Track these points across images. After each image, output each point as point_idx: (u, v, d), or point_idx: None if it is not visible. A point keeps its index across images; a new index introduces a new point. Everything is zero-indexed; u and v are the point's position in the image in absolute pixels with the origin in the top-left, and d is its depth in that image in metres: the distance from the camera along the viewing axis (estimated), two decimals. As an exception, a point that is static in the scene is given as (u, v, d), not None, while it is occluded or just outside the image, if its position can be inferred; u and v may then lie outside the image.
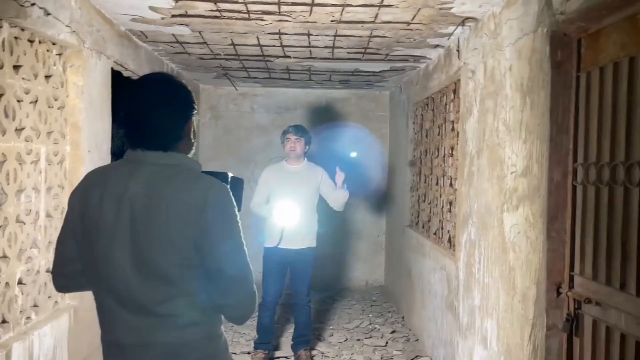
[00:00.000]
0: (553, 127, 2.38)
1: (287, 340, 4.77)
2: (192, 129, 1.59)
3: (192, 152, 1.61)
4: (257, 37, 3.96)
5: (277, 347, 4.67)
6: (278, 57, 4.71)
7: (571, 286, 2.35)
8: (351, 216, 6.77)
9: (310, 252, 4.37)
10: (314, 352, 4.57)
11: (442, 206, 4.38)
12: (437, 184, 4.58)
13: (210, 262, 1.45)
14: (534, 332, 2.50)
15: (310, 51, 4.44)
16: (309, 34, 3.87)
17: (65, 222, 1.56)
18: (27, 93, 2.60)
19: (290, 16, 3.40)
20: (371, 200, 6.87)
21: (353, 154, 6.54)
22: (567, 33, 2.34)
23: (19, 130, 2.55)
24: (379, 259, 7.02)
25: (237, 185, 1.64)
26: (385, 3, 3.09)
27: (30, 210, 2.66)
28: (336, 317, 5.64)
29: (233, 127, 6.87)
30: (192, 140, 1.60)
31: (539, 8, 2.49)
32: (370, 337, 5.03)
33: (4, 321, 2.42)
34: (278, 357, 4.52)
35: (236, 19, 3.49)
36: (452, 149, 4.11)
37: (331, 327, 5.32)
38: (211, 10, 3.31)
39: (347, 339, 4.96)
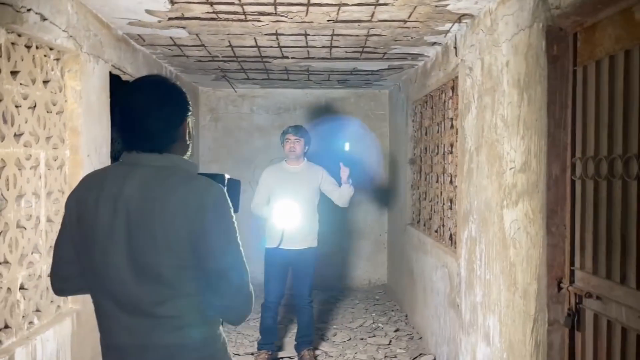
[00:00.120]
0: (550, 122, 2.38)
1: (290, 340, 4.77)
2: (188, 131, 1.59)
3: (188, 153, 1.62)
4: (255, 38, 3.97)
5: (280, 348, 4.67)
6: (276, 57, 4.71)
7: (572, 281, 2.35)
8: (353, 215, 6.77)
9: (311, 252, 4.37)
10: (317, 352, 4.58)
11: (443, 203, 4.38)
12: (437, 181, 4.58)
13: (206, 262, 1.45)
14: (535, 327, 2.50)
15: (308, 51, 4.44)
16: (306, 34, 3.87)
17: (63, 226, 1.57)
18: (25, 98, 2.61)
19: (286, 16, 3.40)
20: (373, 199, 6.87)
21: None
22: (563, 27, 2.34)
23: (17, 135, 2.55)
24: (381, 257, 7.02)
25: (235, 187, 1.65)
26: (381, 1, 3.09)
27: (31, 215, 2.67)
28: (339, 317, 5.64)
29: (233, 128, 6.88)
30: (188, 142, 1.60)
31: (535, 3, 2.49)
32: (373, 336, 5.03)
33: (6, 326, 2.43)
34: (281, 358, 4.53)
35: (233, 20, 3.49)
36: (452, 146, 4.11)
37: (334, 326, 5.32)
38: (207, 12, 3.31)
39: (350, 338, 4.96)
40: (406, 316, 5.58)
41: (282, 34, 3.86)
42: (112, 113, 3.51)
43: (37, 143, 2.72)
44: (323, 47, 4.27)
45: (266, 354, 4.36)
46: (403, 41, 4.06)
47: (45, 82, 2.82)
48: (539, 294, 2.46)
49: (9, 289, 2.46)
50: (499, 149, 2.96)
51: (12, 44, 2.49)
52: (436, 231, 4.59)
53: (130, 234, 1.44)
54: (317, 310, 5.45)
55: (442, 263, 4.22)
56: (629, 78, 1.97)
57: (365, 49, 4.36)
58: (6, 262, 2.46)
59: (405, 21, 3.51)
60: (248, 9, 3.24)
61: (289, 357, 4.52)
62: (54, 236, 2.83)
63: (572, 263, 2.36)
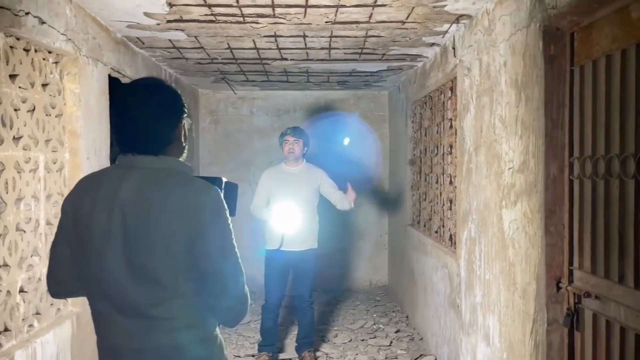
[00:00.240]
0: (548, 121, 2.38)
1: (291, 342, 4.77)
2: (183, 133, 1.60)
3: (184, 155, 1.62)
4: (253, 40, 3.98)
5: (281, 350, 4.67)
6: (275, 59, 4.72)
7: (571, 280, 2.35)
8: (353, 216, 6.76)
9: (312, 253, 4.37)
10: (318, 354, 4.58)
11: (443, 204, 4.38)
12: (437, 182, 4.58)
13: (202, 264, 1.45)
14: (535, 327, 2.50)
15: (307, 53, 4.45)
16: (304, 36, 3.88)
17: (59, 228, 1.58)
18: (24, 102, 2.61)
19: (284, 18, 3.41)
20: (373, 200, 6.87)
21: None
22: (560, 27, 2.34)
23: (16, 139, 2.56)
24: (382, 258, 7.02)
25: (232, 190, 1.65)
26: (379, 3, 3.09)
27: (30, 218, 2.67)
28: (340, 318, 5.64)
29: (233, 130, 6.89)
30: (184, 144, 1.61)
31: (531, 3, 2.49)
32: (374, 337, 5.03)
33: (6, 329, 2.43)
34: None
35: (231, 22, 3.50)
36: (451, 146, 4.12)
37: (335, 328, 5.32)
38: (206, 15, 3.32)
39: (351, 340, 4.96)
40: (407, 317, 5.57)
41: (281, 36, 3.87)
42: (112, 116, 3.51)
43: (36, 146, 2.73)
44: (322, 48, 4.28)
45: (267, 355, 4.36)
46: (401, 42, 4.07)
47: (44, 85, 2.83)
48: (538, 294, 2.46)
49: (8, 292, 2.46)
50: (497, 149, 2.96)
51: (11, 47, 2.50)
52: (436, 232, 4.59)
53: (127, 235, 1.44)
54: (318, 312, 5.45)
55: (442, 263, 4.22)
56: (626, 77, 1.97)
57: (364, 50, 4.37)
58: (6, 265, 2.46)
59: (403, 22, 3.51)
60: (246, 11, 3.25)
61: (290, 359, 4.52)
62: (53, 239, 2.83)
63: (570, 263, 2.36)
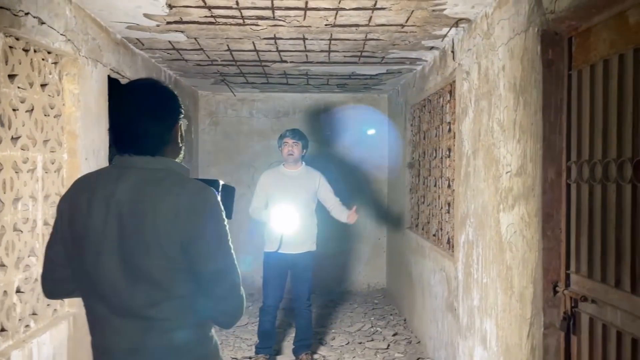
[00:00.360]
0: (546, 125, 2.38)
1: (288, 344, 4.77)
2: (180, 133, 1.60)
3: (181, 156, 1.63)
4: (253, 42, 3.98)
5: (278, 352, 4.67)
6: (275, 62, 4.72)
7: (567, 284, 2.35)
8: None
9: (310, 256, 4.37)
10: (315, 356, 4.57)
11: (441, 207, 4.38)
12: (435, 185, 4.59)
13: (198, 265, 1.45)
14: (532, 331, 2.50)
15: (307, 55, 4.46)
16: (304, 38, 3.88)
17: (54, 229, 1.57)
18: (22, 102, 2.61)
19: (284, 21, 3.42)
20: (371, 203, 6.87)
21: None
22: (558, 32, 2.35)
23: (15, 139, 2.56)
24: (380, 261, 7.02)
25: (229, 193, 1.65)
26: (378, 6, 3.10)
27: (28, 218, 2.67)
28: (338, 321, 5.64)
29: (232, 132, 6.89)
30: (180, 145, 1.61)
31: (530, 7, 2.50)
32: (372, 340, 5.02)
33: (2, 329, 2.43)
34: (279, 362, 4.53)
35: (231, 24, 3.50)
36: (449, 150, 4.12)
37: (333, 330, 5.32)
38: (206, 17, 3.33)
39: (349, 343, 4.96)
40: (405, 320, 5.57)
41: (281, 38, 3.87)
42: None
43: (35, 146, 2.73)
44: (321, 51, 4.28)
45: (264, 357, 4.36)
46: (401, 45, 4.07)
47: (43, 85, 2.83)
48: (535, 298, 2.46)
49: (5, 292, 2.46)
50: (495, 152, 2.96)
51: (10, 47, 2.50)
52: (434, 235, 4.59)
53: (123, 236, 1.44)
54: (316, 314, 5.45)
55: (440, 267, 4.22)
56: (623, 82, 1.97)
57: (364, 53, 4.37)
58: (3, 265, 2.46)
59: (402, 25, 3.52)
60: (246, 13, 3.25)
61: (287, 361, 4.52)
62: (51, 239, 2.83)
63: (567, 267, 2.36)
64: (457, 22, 3.42)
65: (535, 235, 2.46)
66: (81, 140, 3.12)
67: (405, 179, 5.75)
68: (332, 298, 6.47)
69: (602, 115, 2.10)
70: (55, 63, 2.97)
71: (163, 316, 1.45)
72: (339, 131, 6.81)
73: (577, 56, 2.30)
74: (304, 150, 4.37)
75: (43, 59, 2.82)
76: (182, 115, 1.60)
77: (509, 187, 2.76)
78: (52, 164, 2.91)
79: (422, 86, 4.87)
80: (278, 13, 3.26)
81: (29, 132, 2.67)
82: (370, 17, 3.34)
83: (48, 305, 2.82)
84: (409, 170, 5.63)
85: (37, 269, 2.73)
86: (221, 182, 1.64)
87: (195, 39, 3.88)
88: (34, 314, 2.69)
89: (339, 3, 3.05)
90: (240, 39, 3.88)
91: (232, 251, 1.51)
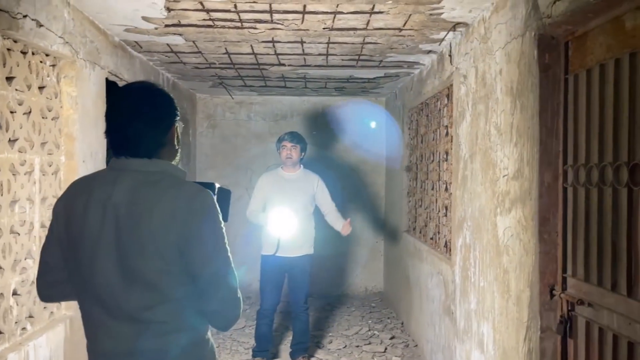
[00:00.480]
0: (542, 129, 2.39)
1: (285, 347, 4.76)
2: (176, 136, 1.60)
3: (177, 158, 1.63)
4: (251, 45, 3.99)
5: (275, 355, 4.66)
6: (273, 65, 4.73)
7: (564, 288, 2.36)
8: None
9: (307, 259, 4.37)
10: None
11: (438, 211, 4.39)
12: (433, 188, 4.59)
13: (194, 268, 1.45)
14: (528, 334, 2.50)
15: (305, 59, 4.47)
16: (302, 42, 3.89)
17: (50, 231, 1.57)
18: (20, 104, 2.62)
19: (282, 24, 3.42)
20: (369, 206, 6.88)
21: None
22: (555, 36, 2.36)
23: (12, 141, 2.56)
24: (377, 264, 7.02)
25: (225, 196, 1.66)
26: (376, 10, 3.11)
27: (25, 221, 2.67)
28: (335, 324, 5.63)
29: (230, 135, 6.89)
30: (176, 147, 1.61)
31: (527, 12, 2.51)
32: (369, 344, 5.02)
33: (-2, 332, 2.43)
34: (277, 365, 4.52)
35: (229, 27, 3.51)
36: (447, 153, 4.13)
37: (330, 334, 5.31)
38: (204, 20, 3.33)
39: (346, 346, 4.95)
40: (402, 324, 5.57)
41: (279, 42, 3.88)
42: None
43: (32, 149, 2.73)
44: (319, 54, 4.29)
45: (261, 361, 4.35)
46: (398, 49, 4.09)
47: (41, 88, 2.83)
48: (531, 301, 2.47)
49: (1, 294, 2.46)
50: (492, 156, 2.97)
51: (8, 49, 2.50)
52: (432, 238, 4.60)
53: (119, 239, 1.44)
54: (313, 318, 5.44)
55: (437, 270, 4.22)
56: (619, 86, 1.98)
57: (361, 57, 4.38)
58: (-1, 267, 2.46)
59: (400, 29, 3.53)
60: (244, 16, 3.26)
61: (284, 365, 4.51)
62: (48, 242, 2.82)
63: (564, 270, 2.36)
64: (454, 26, 3.44)
65: (532, 238, 2.46)
66: (79, 143, 3.12)
67: (402, 182, 5.76)
68: (330, 301, 6.47)
69: (598, 119, 2.11)
70: (53, 65, 2.97)
71: (159, 319, 1.45)
72: (336, 133, 6.81)
73: (573, 60, 2.31)
74: (303, 154, 4.38)
75: (41, 62, 2.83)
76: (178, 118, 1.60)
77: (506, 190, 2.77)
78: (50, 166, 2.91)
79: (420, 90, 4.88)
80: (276, 16, 3.26)
81: (26, 135, 2.67)
82: (368, 21, 3.35)
83: (45, 307, 2.82)
84: (407, 173, 5.63)
85: (34, 272, 2.72)
86: (217, 186, 1.64)
87: (193, 42, 3.88)
88: (30, 316, 2.69)
89: (337, 7, 3.06)
90: (238, 42, 3.88)
91: (229, 254, 1.51)
